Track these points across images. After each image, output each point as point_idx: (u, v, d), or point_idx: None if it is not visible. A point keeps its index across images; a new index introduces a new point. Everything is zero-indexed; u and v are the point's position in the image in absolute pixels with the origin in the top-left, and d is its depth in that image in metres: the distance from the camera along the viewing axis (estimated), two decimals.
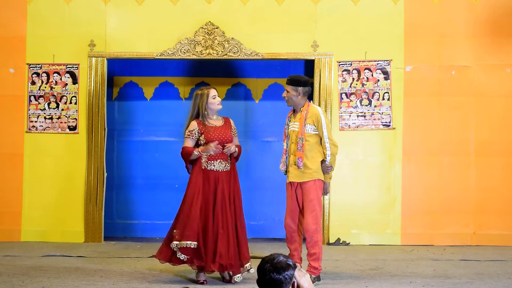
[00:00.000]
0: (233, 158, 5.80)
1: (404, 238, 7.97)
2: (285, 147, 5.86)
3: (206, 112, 5.73)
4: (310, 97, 7.91)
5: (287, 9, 8.02)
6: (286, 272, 3.20)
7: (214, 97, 5.75)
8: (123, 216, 8.62)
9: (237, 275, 5.64)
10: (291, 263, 3.25)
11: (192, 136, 5.70)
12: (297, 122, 5.73)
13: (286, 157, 5.83)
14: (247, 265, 5.69)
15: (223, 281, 5.74)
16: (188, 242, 5.51)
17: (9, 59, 8.06)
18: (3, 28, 8.05)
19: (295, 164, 5.68)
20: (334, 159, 5.72)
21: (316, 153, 5.70)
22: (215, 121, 5.78)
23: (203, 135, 5.68)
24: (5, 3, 8.05)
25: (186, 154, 5.70)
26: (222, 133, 5.72)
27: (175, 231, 5.62)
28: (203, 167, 5.67)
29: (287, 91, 5.78)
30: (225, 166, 5.71)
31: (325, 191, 5.80)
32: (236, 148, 5.76)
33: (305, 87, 5.75)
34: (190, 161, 5.73)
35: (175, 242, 5.54)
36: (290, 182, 5.78)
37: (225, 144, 5.70)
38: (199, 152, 5.65)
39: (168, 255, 5.65)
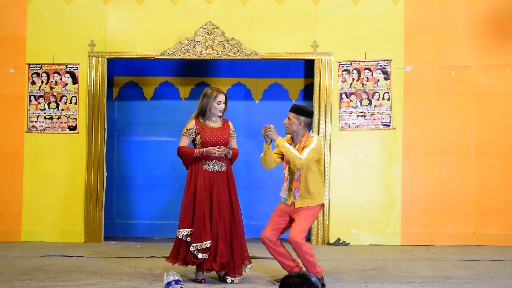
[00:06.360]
0: (228, 159, 5.83)
1: (404, 238, 7.97)
2: (286, 174, 5.70)
3: (209, 113, 5.77)
4: (310, 97, 7.97)
5: (287, 9, 8.03)
6: None
7: (219, 103, 5.76)
8: (123, 216, 8.62)
9: (238, 277, 5.67)
10: (319, 285, 3.17)
11: (189, 134, 5.75)
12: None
13: (287, 185, 5.67)
14: (249, 266, 5.80)
15: (220, 280, 5.73)
16: (205, 242, 5.57)
17: (9, 59, 8.06)
18: (3, 28, 8.05)
19: (293, 193, 5.59)
20: (291, 156, 5.45)
21: (316, 177, 5.62)
22: (214, 123, 5.81)
23: (199, 136, 5.73)
24: (5, 3, 8.05)
25: (186, 155, 5.71)
26: (218, 135, 5.74)
27: (185, 232, 5.65)
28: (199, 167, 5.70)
29: (289, 118, 5.65)
30: (220, 167, 5.74)
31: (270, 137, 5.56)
32: (230, 151, 5.76)
33: (307, 117, 5.62)
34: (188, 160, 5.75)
35: (195, 244, 5.57)
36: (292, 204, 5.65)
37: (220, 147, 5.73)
38: (199, 154, 5.67)
39: (175, 257, 5.71)
